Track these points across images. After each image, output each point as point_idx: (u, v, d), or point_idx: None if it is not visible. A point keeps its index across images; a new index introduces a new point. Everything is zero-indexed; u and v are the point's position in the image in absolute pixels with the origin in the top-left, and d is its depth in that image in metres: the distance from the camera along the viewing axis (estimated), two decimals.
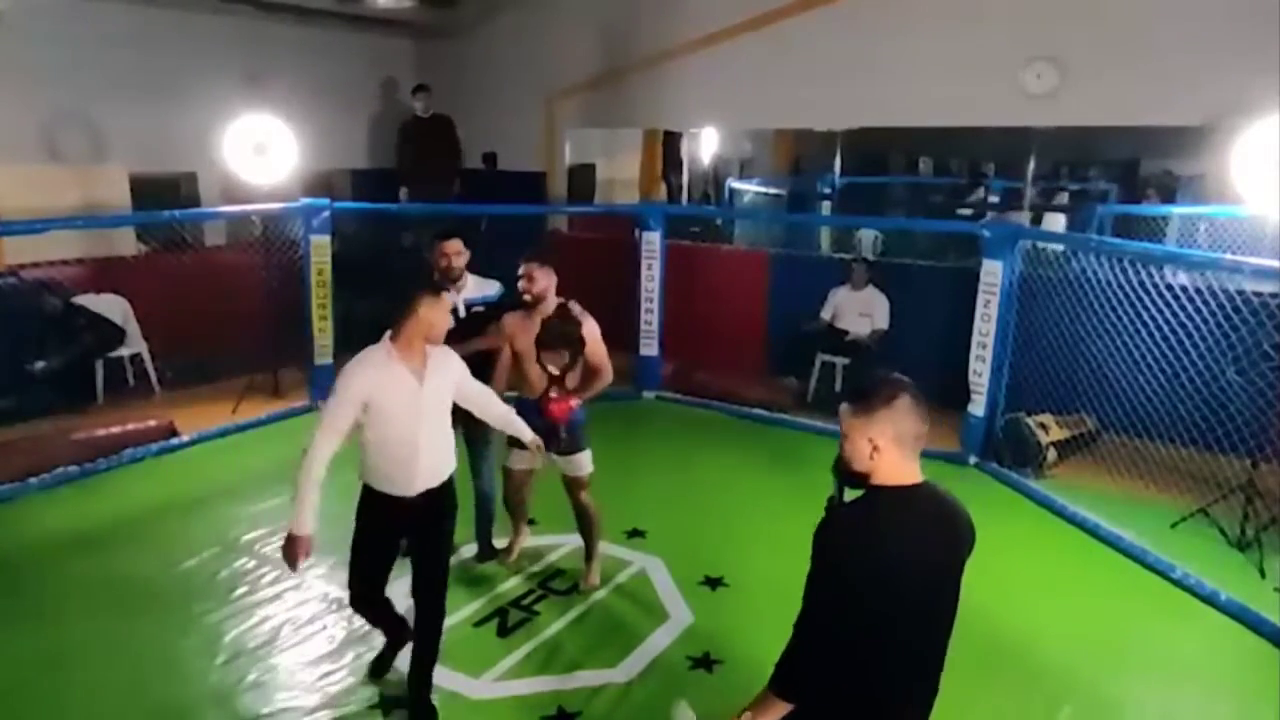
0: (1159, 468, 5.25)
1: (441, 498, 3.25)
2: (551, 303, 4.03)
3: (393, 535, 3.28)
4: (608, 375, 4.07)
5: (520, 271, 4.06)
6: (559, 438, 3.98)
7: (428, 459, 3.16)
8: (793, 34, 7.58)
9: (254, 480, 5.40)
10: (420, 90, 8.77)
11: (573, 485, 4.18)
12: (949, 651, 2.11)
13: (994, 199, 8.12)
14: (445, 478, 3.26)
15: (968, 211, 8.05)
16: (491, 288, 4.39)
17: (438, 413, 3.20)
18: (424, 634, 3.26)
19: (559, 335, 3.85)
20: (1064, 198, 7.55)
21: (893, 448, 2.00)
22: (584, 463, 4.15)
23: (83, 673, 3.57)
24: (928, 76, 6.97)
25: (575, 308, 4.00)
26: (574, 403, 3.94)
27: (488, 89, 9.35)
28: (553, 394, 3.90)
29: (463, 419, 4.31)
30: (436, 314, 3.09)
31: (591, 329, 3.96)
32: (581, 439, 4.13)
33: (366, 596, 3.35)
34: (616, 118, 8.99)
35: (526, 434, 3.62)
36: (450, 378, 3.25)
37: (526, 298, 4.05)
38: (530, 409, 4.01)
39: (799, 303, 7.35)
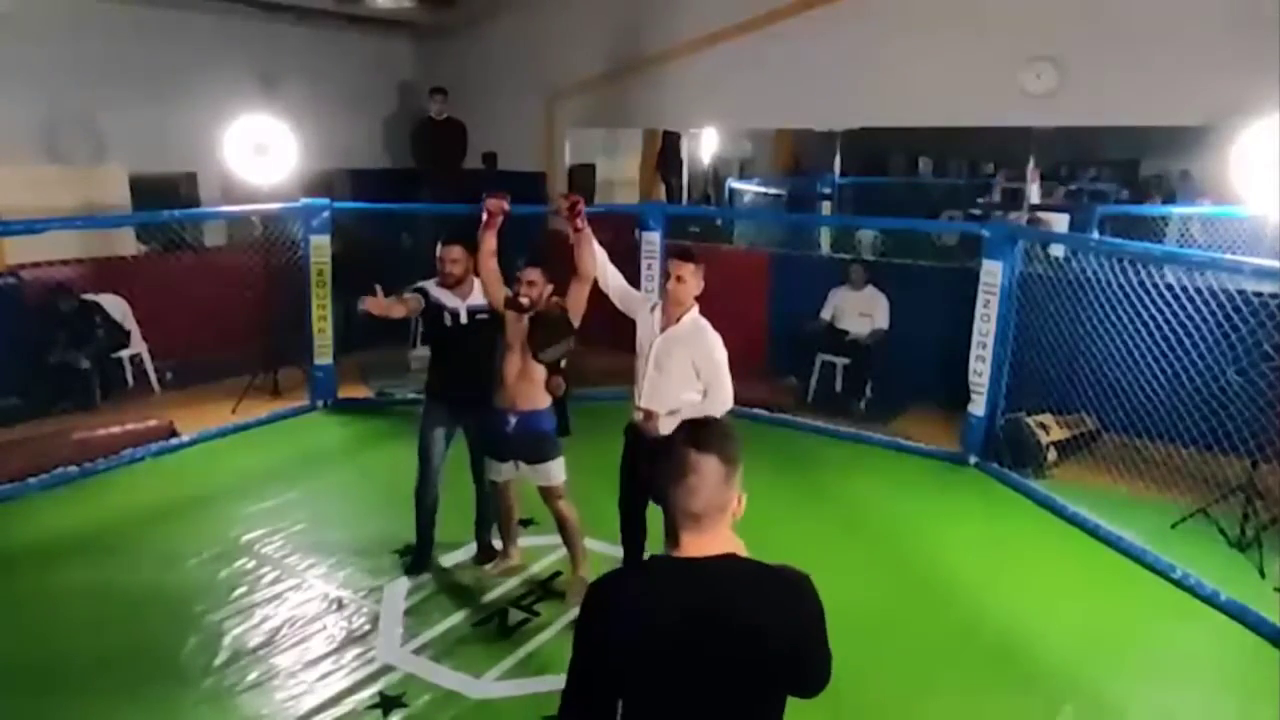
0: (1159, 468, 5.24)
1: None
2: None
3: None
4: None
5: (529, 277, 3.92)
6: (528, 446, 4.02)
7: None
8: (793, 34, 7.57)
9: (254, 480, 5.41)
10: (437, 93, 8.79)
11: (547, 495, 4.16)
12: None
13: (996, 198, 8.13)
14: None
15: (978, 211, 8.05)
16: None
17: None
18: None
19: (557, 327, 3.80)
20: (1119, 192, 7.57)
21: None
22: (554, 472, 4.10)
23: (81, 673, 3.57)
24: (928, 76, 6.96)
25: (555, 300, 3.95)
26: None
27: (488, 89, 9.33)
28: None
29: (468, 420, 4.34)
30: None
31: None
32: (549, 448, 4.08)
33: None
34: (616, 118, 8.98)
35: None
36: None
37: (524, 301, 3.91)
38: (500, 416, 4.02)
39: (799, 303, 7.35)
